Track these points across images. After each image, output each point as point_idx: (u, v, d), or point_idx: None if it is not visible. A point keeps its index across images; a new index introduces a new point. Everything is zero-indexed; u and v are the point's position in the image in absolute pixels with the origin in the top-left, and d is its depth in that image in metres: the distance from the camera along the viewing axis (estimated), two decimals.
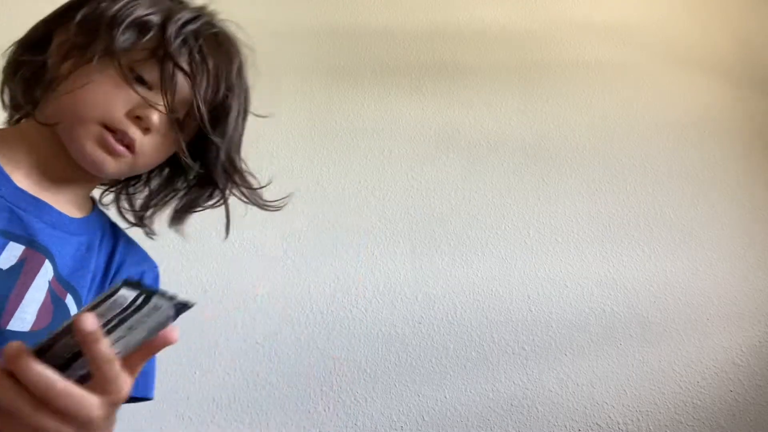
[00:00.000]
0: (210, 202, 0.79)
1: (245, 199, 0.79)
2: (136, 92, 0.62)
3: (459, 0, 1.87)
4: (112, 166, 0.64)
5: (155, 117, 0.63)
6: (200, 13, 0.69)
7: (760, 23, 1.90)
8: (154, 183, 0.78)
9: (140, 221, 0.79)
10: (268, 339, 1.29)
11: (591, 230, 1.49)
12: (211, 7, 0.75)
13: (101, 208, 0.77)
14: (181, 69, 0.64)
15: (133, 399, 0.68)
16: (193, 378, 1.24)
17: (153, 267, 0.81)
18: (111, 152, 0.63)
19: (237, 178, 0.76)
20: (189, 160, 0.69)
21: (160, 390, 1.22)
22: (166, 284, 1.37)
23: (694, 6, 1.92)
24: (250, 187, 0.78)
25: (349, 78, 1.69)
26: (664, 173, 1.59)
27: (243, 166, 0.76)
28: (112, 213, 0.79)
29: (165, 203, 0.78)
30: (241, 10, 1.91)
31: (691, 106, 1.72)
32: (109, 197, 0.79)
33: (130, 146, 0.64)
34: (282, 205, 0.82)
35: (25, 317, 0.58)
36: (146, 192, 0.78)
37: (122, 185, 0.78)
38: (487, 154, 1.59)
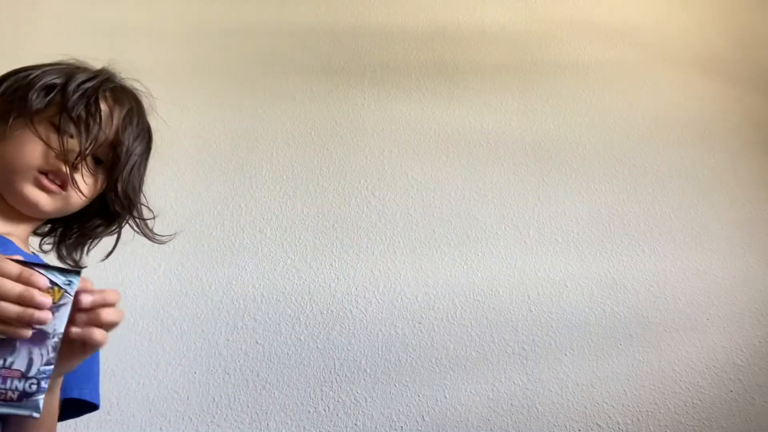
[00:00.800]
0: (107, 231, 0.91)
1: (137, 231, 0.91)
2: (42, 140, 0.75)
3: (459, 0, 1.87)
4: (47, 203, 0.77)
5: (73, 155, 0.75)
6: (98, 73, 0.83)
7: (760, 23, 1.91)
8: (81, 224, 0.90)
9: (76, 263, 0.91)
10: (268, 339, 1.29)
11: (591, 230, 1.49)
12: (111, 68, 0.87)
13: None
14: (72, 118, 0.76)
15: (80, 407, 0.82)
16: (193, 378, 1.24)
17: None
18: (46, 190, 0.76)
19: (134, 211, 0.87)
20: (114, 193, 0.83)
21: (160, 390, 1.22)
22: (166, 283, 1.38)
23: (694, 6, 1.92)
24: (143, 220, 0.90)
25: (349, 78, 1.69)
26: (664, 173, 1.59)
27: (140, 200, 0.88)
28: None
29: (90, 234, 0.91)
30: (242, 10, 1.92)
31: (690, 106, 1.72)
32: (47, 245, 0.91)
33: (62, 185, 0.77)
34: (167, 240, 0.92)
35: None
36: (77, 233, 0.90)
37: (59, 233, 0.91)
38: (487, 154, 1.59)
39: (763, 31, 1.89)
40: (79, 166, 0.77)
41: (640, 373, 1.30)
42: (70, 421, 1.15)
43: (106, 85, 0.82)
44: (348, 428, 1.21)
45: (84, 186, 0.79)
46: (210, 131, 1.57)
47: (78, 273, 0.59)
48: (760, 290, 1.43)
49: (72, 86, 0.78)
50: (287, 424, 1.21)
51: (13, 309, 0.54)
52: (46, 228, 0.91)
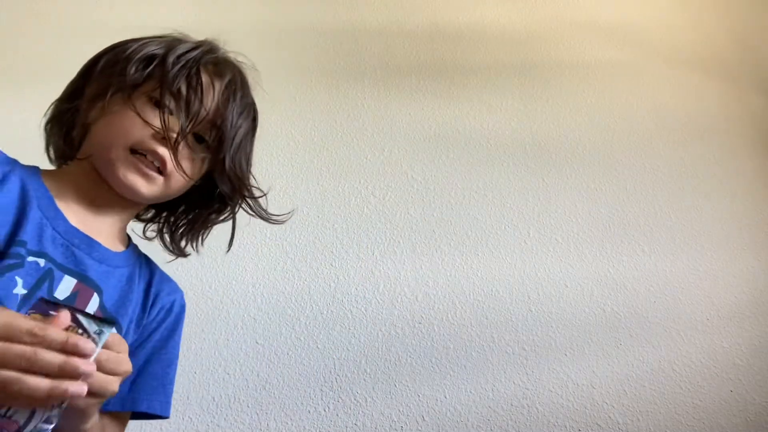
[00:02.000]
0: (221, 218, 0.86)
1: (251, 213, 0.86)
2: (139, 116, 0.69)
3: (459, 0, 1.87)
4: (145, 188, 0.72)
5: (173, 133, 0.71)
6: (199, 44, 0.78)
7: (760, 23, 1.91)
8: (189, 211, 0.86)
9: (181, 251, 0.86)
10: (268, 339, 1.29)
11: (591, 230, 1.49)
12: (214, 40, 0.83)
13: (140, 240, 0.86)
14: (171, 93, 0.71)
15: (148, 415, 0.77)
16: (193, 378, 1.24)
17: (182, 295, 0.87)
18: (143, 175, 0.71)
19: (245, 192, 0.82)
20: (220, 173, 0.77)
21: None
22: None
23: (694, 6, 1.93)
24: (256, 200, 0.85)
25: (349, 78, 1.69)
26: (664, 173, 1.59)
27: (250, 180, 0.82)
28: (151, 245, 0.86)
29: (204, 224, 0.86)
30: (241, 10, 1.92)
31: (691, 106, 1.72)
32: (151, 231, 0.87)
33: (161, 168, 0.72)
34: (285, 219, 0.90)
35: None
36: (190, 217, 0.85)
37: (164, 218, 0.86)
38: (487, 154, 1.59)
39: (763, 30, 1.89)
40: (179, 145, 0.71)
41: (640, 373, 1.30)
42: None
43: (207, 57, 0.77)
44: (348, 428, 1.21)
45: (186, 167, 0.73)
46: None
47: (113, 324, 0.55)
48: (760, 290, 1.43)
49: (172, 58, 0.73)
50: (287, 424, 1.21)
51: (46, 382, 0.48)
52: (150, 213, 0.86)
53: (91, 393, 0.53)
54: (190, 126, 0.72)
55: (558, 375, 1.28)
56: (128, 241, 0.81)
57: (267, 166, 1.52)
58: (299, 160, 1.54)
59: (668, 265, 1.45)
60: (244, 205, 0.85)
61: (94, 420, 0.63)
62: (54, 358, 0.49)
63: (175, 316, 0.83)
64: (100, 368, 0.54)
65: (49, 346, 0.49)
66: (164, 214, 0.86)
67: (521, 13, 1.86)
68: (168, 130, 0.70)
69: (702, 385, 1.29)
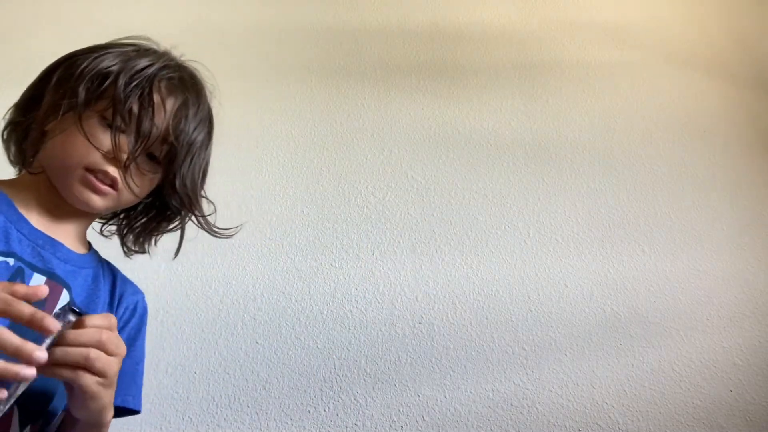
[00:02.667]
0: (170, 227, 0.88)
1: (199, 226, 0.87)
2: (89, 140, 0.70)
3: (459, 0, 1.87)
4: (98, 202, 0.74)
5: (123, 154, 0.72)
6: (155, 60, 0.77)
7: (760, 23, 1.90)
8: (144, 215, 0.88)
9: (136, 251, 0.89)
10: (268, 339, 1.29)
11: (591, 230, 1.49)
12: (174, 52, 0.83)
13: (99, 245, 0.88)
14: (121, 114, 0.71)
15: (122, 411, 0.80)
16: (193, 378, 1.24)
17: (143, 297, 0.91)
18: (96, 190, 0.73)
19: (193, 209, 0.83)
20: (170, 191, 0.79)
21: (160, 390, 1.22)
22: (167, 283, 1.38)
23: (694, 6, 1.92)
24: (203, 216, 0.86)
25: (349, 78, 1.69)
26: (664, 173, 1.59)
27: (199, 194, 0.83)
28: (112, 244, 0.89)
29: (154, 230, 0.89)
30: (241, 10, 1.92)
31: (691, 106, 1.72)
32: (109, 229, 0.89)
33: (113, 184, 0.73)
34: (233, 233, 0.89)
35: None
36: (143, 221, 0.88)
37: (123, 218, 0.88)
38: (487, 154, 1.59)
39: (764, 30, 1.89)
40: (130, 166, 0.73)
41: (640, 373, 1.30)
42: None
43: (162, 74, 0.76)
44: (348, 428, 1.21)
45: (135, 186, 0.75)
46: None
47: (80, 314, 0.58)
48: (760, 290, 1.43)
49: (124, 78, 0.73)
50: (287, 424, 1.21)
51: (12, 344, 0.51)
52: (109, 214, 0.87)
53: (96, 373, 0.58)
54: (140, 148, 0.72)
55: (558, 375, 1.28)
56: (89, 245, 0.84)
57: (267, 166, 1.53)
58: (299, 160, 1.54)
59: (668, 265, 1.44)
60: (192, 219, 0.86)
61: (105, 404, 0.64)
62: (12, 339, 0.51)
63: (139, 316, 0.87)
64: (103, 348, 0.58)
65: (17, 317, 0.52)
66: (122, 216, 0.88)
67: (521, 13, 1.86)
68: (118, 151, 0.71)
69: (702, 385, 1.29)
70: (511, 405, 1.25)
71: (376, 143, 1.58)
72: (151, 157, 0.77)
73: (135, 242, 0.87)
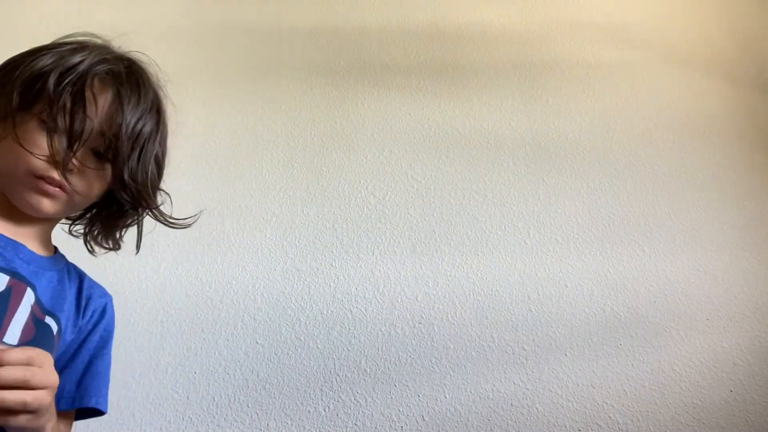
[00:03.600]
0: (129, 222, 0.86)
1: (154, 218, 0.85)
2: (24, 147, 0.69)
3: (459, 0, 1.87)
4: (49, 207, 0.73)
5: (61, 160, 0.70)
6: (88, 56, 0.75)
7: (760, 23, 1.90)
8: (108, 210, 0.86)
9: (107, 245, 0.87)
10: (268, 339, 1.29)
11: (591, 230, 1.49)
12: (106, 44, 0.80)
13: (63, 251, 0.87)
14: (53, 115, 0.69)
15: (89, 413, 0.81)
16: (193, 378, 1.24)
17: (110, 299, 0.90)
18: (45, 194, 0.72)
19: (143, 203, 0.80)
20: (118, 190, 0.76)
21: (160, 390, 1.22)
22: (167, 283, 1.38)
23: (694, 6, 1.92)
24: (158, 209, 0.84)
25: (349, 78, 1.69)
26: (664, 173, 1.59)
27: (152, 188, 0.80)
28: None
29: (113, 227, 0.87)
30: (242, 10, 1.92)
31: (691, 106, 1.72)
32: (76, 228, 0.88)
33: (62, 186, 0.72)
34: (191, 222, 0.86)
35: (15, 333, 0.69)
36: (103, 218, 0.86)
37: (88, 218, 0.87)
38: (487, 154, 1.59)
39: (764, 31, 1.89)
40: (72, 167, 0.71)
41: (640, 373, 1.30)
42: None
43: (95, 69, 0.74)
44: (348, 428, 1.21)
45: (82, 186, 0.73)
46: (210, 131, 1.57)
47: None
48: (760, 290, 1.43)
49: (54, 77, 0.71)
50: (287, 424, 1.21)
51: None
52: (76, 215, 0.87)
53: (28, 411, 0.57)
54: (76, 146, 0.70)
55: (558, 375, 1.28)
56: (54, 250, 0.84)
57: (267, 166, 1.53)
58: (299, 160, 1.54)
59: (668, 265, 1.44)
60: (148, 213, 0.84)
61: (43, 424, 0.63)
62: None
63: (108, 318, 0.87)
64: (31, 385, 0.57)
65: None
66: (87, 216, 0.87)
67: (521, 13, 1.86)
68: (56, 154, 0.69)
69: (702, 385, 1.29)
70: (511, 405, 1.25)
71: (376, 143, 1.58)
72: (98, 154, 0.74)
73: (97, 241, 0.86)
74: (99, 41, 0.79)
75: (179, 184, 1.47)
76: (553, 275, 1.41)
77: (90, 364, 0.82)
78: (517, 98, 1.69)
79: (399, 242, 1.43)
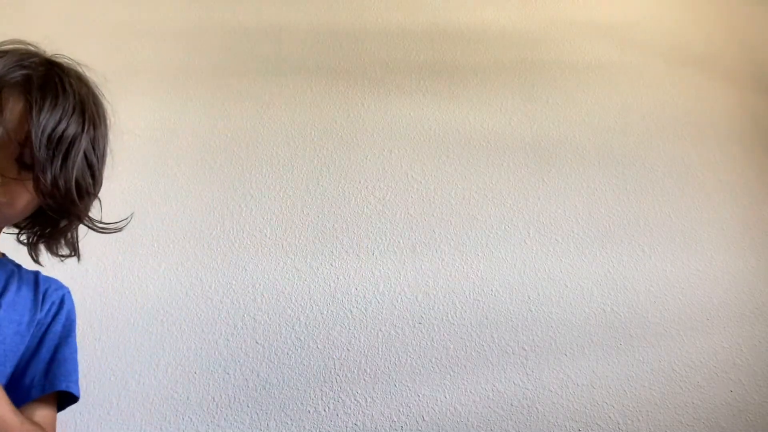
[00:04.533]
0: (57, 233, 0.84)
1: (85, 226, 0.83)
2: None
3: (459, 0, 1.87)
4: None
5: None
6: (2, 63, 0.72)
7: (760, 23, 1.90)
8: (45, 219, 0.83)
9: (57, 253, 0.86)
10: (268, 339, 1.29)
11: (591, 230, 1.49)
12: (39, 49, 0.77)
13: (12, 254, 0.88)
14: None
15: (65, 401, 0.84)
16: (193, 378, 1.24)
17: (67, 290, 0.92)
18: None
19: (72, 212, 0.78)
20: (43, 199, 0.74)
21: (160, 390, 1.22)
22: (166, 283, 1.38)
23: (695, 6, 1.92)
24: (87, 218, 0.82)
25: (349, 78, 1.69)
26: (664, 173, 1.59)
27: (78, 193, 0.76)
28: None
29: (52, 235, 0.85)
30: (242, 10, 1.92)
31: (691, 106, 1.72)
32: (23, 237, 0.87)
33: None
34: (122, 226, 0.85)
35: None
36: (40, 232, 0.85)
37: (31, 227, 0.85)
38: (487, 154, 1.59)
39: (764, 30, 1.89)
40: None
41: (640, 373, 1.30)
42: (71, 421, 1.15)
43: (8, 76, 0.71)
44: (348, 428, 1.21)
45: (5, 199, 0.71)
46: (210, 131, 1.56)
47: None
48: (760, 290, 1.43)
49: None
50: (287, 424, 1.21)
51: None
52: (23, 222, 0.86)
53: None
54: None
55: (558, 375, 1.28)
56: (2, 254, 0.85)
57: (267, 166, 1.52)
58: (299, 160, 1.54)
59: (668, 265, 1.44)
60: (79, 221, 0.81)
61: None
62: None
63: (67, 307, 0.89)
64: None
65: None
66: (29, 224, 0.86)
67: (521, 13, 1.86)
68: None
69: (702, 385, 1.29)
70: (511, 405, 1.25)
71: (376, 143, 1.58)
72: (21, 164, 0.71)
73: (50, 249, 0.85)
74: (24, 48, 0.77)
75: (180, 184, 1.47)
76: (553, 275, 1.41)
77: (56, 351, 0.85)
78: (517, 98, 1.69)
79: (399, 242, 1.43)
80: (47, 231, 0.84)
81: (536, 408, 1.25)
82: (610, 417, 1.25)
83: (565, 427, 1.23)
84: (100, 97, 0.82)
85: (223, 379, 1.24)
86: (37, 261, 0.87)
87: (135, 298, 1.31)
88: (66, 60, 0.80)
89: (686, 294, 1.41)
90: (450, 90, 1.69)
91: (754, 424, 1.26)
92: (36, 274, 0.89)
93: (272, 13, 1.79)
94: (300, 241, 1.42)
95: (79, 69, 0.81)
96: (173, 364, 1.25)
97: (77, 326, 0.92)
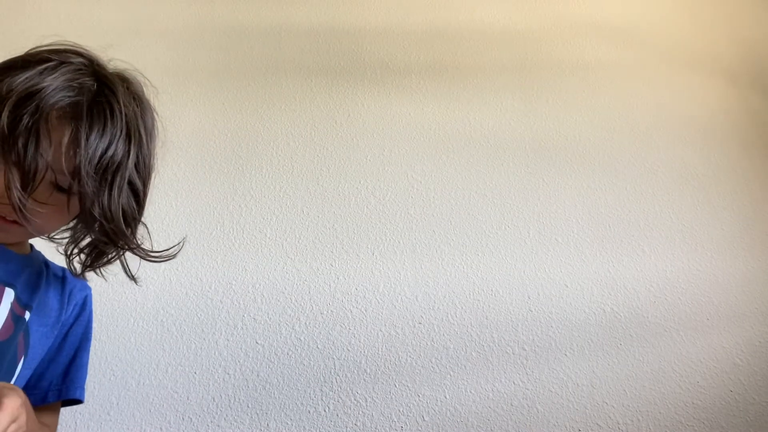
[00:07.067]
0: (108, 259, 0.80)
1: (136, 255, 0.80)
2: None
3: (459, 0, 1.87)
4: (5, 238, 0.72)
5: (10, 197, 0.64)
6: (54, 81, 0.67)
7: (761, 23, 1.90)
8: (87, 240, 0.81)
9: (87, 267, 0.82)
10: (268, 339, 1.29)
11: (591, 230, 1.49)
12: (97, 61, 0.73)
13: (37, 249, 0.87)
14: (5, 148, 0.63)
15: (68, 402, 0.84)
16: (193, 378, 1.24)
17: (90, 290, 0.91)
18: (1, 228, 0.69)
19: (121, 240, 0.75)
20: (84, 224, 0.73)
21: (160, 390, 1.22)
22: (167, 283, 1.38)
23: (695, 6, 1.92)
24: (137, 247, 0.78)
25: (349, 78, 1.69)
26: (664, 173, 1.59)
27: (126, 223, 0.73)
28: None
29: (95, 261, 0.82)
30: (242, 10, 1.92)
31: (691, 106, 1.72)
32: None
33: (17, 222, 0.67)
34: (175, 252, 0.81)
35: None
36: (85, 248, 0.81)
37: (70, 238, 0.82)
38: (487, 154, 1.59)
39: (764, 31, 1.89)
40: (27, 208, 0.64)
41: (640, 373, 1.30)
42: (71, 421, 1.15)
43: (56, 98, 0.66)
44: (348, 428, 1.21)
45: (41, 222, 0.68)
46: (210, 131, 1.56)
47: None
48: (760, 290, 1.43)
49: (9, 107, 0.63)
50: (287, 424, 1.21)
51: None
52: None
53: None
54: (30, 188, 0.64)
55: (558, 375, 1.28)
56: (30, 248, 0.83)
57: (267, 166, 1.53)
58: (299, 160, 1.54)
59: (668, 265, 1.44)
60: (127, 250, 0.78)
61: None
62: None
63: (88, 310, 0.88)
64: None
65: None
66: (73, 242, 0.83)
67: (521, 13, 1.86)
68: (7, 190, 0.63)
69: (702, 385, 1.29)
70: (511, 405, 1.25)
71: (376, 143, 1.58)
72: (61, 189, 0.68)
73: (83, 268, 0.82)
74: (75, 61, 0.72)
75: (180, 184, 1.47)
76: (553, 275, 1.41)
77: (75, 356, 0.85)
78: (517, 98, 1.69)
79: (399, 242, 1.43)
80: (89, 260, 0.81)
81: (536, 408, 1.25)
82: (610, 417, 1.25)
83: (565, 427, 1.23)
84: (148, 110, 0.78)
85: (223, 379, 1.24)
86: (75, 271, 0.83)
87: (135, 298, 1.31)
88: (119, 71, 0.76)
89: (686, 294, 1.41)
90: (450, 90, 1.69)
91: (754, 424, 1.26)
92: (64, 270, 0.86)
93: (272, 13, 1.79)
94: (300, 241, 1.42)
95: (130, 77, 0.77)
96: (173, 364, 1.25)
97: None
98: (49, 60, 0.69)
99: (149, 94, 0.80)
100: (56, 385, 0.81)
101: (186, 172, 1.49)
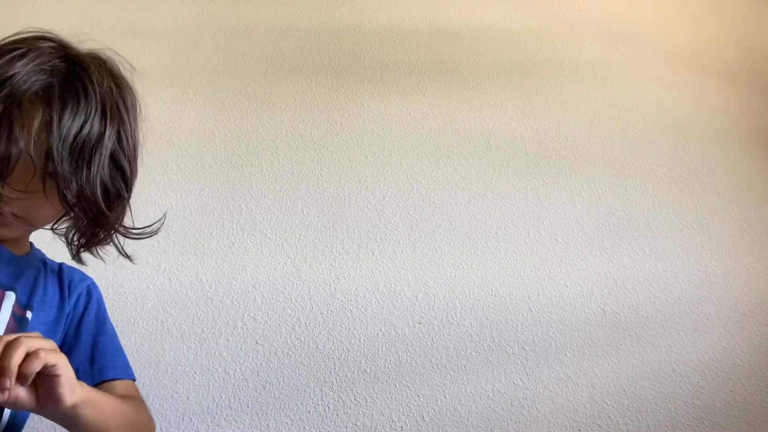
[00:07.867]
0: (98, 240, 0.81)
1: (120, 234, 0.81)
2: None
3: (459, 0, 1.87)
4: (7, 233, 0.72)
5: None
6: (25, 66, 0.66)
7: (760, 23, 1.90)
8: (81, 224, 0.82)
9: (82, 248, 0.84)
10: (268, 339, 1.29)
11: (591, 230, 1.49)
12: (68, 45, 0.73)
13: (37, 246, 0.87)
14: None
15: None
16: (193, 378, 1.24)
17: (92, 280, 0.92)
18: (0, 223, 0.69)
19: (101, 219, 0.74)
20: (70, 211, 0.72)
21: (160, 390, 1.22)
22: (167, 283, 1.38)
23: (695, 6, 1.92)
24: (122, 227, 0.79)
25: (349, 78, 1.69)
26: (664, 173, 1.59)
27: (102, 205, 0.72)
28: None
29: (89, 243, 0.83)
30: (242, 10, 1.92)
31: (691, 106, 1.72)
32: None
33: (14, 214, 0.68)
34: (157, 229, 0.82)
35: None
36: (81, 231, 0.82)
37: (68, 223, 0.83)
38: (487, 154, 1.59)
39: (764, 30, 1.89)
40: (6, 198, 0.65)
41: (640, 373, 1.30)
42: None
43: (28, 84, 0.65)
44: (348, 428, 1.21)
45: (27, 212, 0.69)
46: (210, 131, 1.56)
47: None
48: (760, 290, 1.43)
49: None
50: (287, 424, 1.21)
51: None
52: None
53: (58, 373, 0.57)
54: (5, 175, 0.63)
55: (558, 375, 1.28)
56: (29, 248, 0.84)
57: (267, 166, 1.53)
58: (299, 160, 1.54)
59: (668, 265, 1.44)
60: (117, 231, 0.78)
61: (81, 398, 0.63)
62: None
63: (96, 297, 0.88)
64: (34, 351, 0.56)
65: None
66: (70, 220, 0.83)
67: (521, 13, 1.86)
68: None
69: (702, 385, 1.29)
70: (511, 405, 1.25)
71: (376, 143, 1.58)
72: (40, 175, 0.67)
73: (79, 251, 0.83)
74: (43, 46, 0.70)
75: (180, 183, 1.47)
76: (553, 275, 1.41)
77: (95, 342, 0.84)
78: (517, 98, 1.69)
79: (399, 242, 1.43)
80: (83, 240, 0.81)
81: (536, 408, 1.25)
82: (610, 417, 1.25)
83: (565, 427, 1.23)
84: (126, 87, 0.77)
85: (223, 379, 1.24)
86: (80, 261, 0.85)
87: (135, 298, 1.31)
88: (90, 48, 0.75)
89: (686, 294, 1.41)
90: (450, 90, 1.69)
91: (754, 424, 1.26)
92: (60, 266, 0.87)
93: (272, 13, 1.79)
94: (300, 241, 1.42)
95: (103, 56, 0.76)
96: (173, 364, 1.25)
97: None
98: (17, 48, 0.68)
99: (126, 72, 0.79)
100: (85, 371, 0.80)
101: (186, 172, 1.49)
